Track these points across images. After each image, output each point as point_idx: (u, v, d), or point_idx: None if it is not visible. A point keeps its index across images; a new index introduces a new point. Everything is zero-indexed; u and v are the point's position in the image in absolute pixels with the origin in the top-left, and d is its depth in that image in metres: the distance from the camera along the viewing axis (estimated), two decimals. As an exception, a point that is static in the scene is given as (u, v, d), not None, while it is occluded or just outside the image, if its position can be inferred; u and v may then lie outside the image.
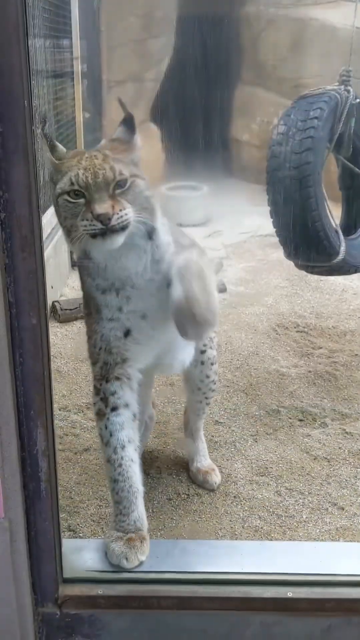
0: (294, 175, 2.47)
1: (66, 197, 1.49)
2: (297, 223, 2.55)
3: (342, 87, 2.56)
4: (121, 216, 1.46)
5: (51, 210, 4.08)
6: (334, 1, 6.18)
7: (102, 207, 1.44)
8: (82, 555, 1.63)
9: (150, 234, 1.58)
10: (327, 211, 2.57)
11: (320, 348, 3.29)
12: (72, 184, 1.47)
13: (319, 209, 2.49)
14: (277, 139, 2.54)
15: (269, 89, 6.19)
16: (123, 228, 1.48)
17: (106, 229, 1.45)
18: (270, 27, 6.49)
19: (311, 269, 2.79)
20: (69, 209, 1.50)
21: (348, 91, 2.55)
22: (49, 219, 3.76)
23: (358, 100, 2.60)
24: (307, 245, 2.58)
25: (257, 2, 6.73)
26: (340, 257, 2.57)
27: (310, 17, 6.19)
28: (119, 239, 1.48)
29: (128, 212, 1.48)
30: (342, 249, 2.57)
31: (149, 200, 1.57)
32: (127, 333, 1.66)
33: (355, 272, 2.78)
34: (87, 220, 1.46)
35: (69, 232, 1.54)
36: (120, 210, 1.46)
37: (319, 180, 2.50)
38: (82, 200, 1.47)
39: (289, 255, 2.74)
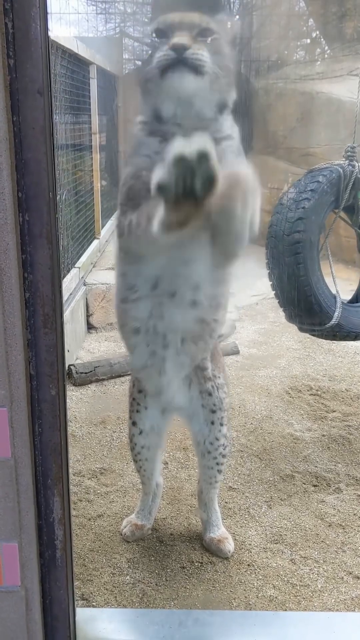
0: (286, 241, 2.62)
1: (152, 36, 1.50)
2: (289, 287, 2.67)
3: (347, 162, 2.70)
4: (197, 53, 1.42)
5: (69, 276, 4.20)
6: (340, 76, 6.51)
7: (180, 38, 1.42)
8: (95, 625, 1.63)
9: (221, 108, 1.53)
10: (320, 276, 2.68)
11: (334, 411, 3.30)
12: (159, 23, 1.49)
13: (308, 274, 2.60)
14: (278, 209, 2.69)
15: (279, 158, 6.45)
16: (196, 68, 1.44)
17: (178, 59, 1.42)
18: (279, 99, 6.82)
19: (312, 332, 2.86)
20: (152, 48, 1.49)
21: (353, 166, 2.68)
22: (66, 285, 3.90)
23: (365, 174, 2.73)
24: (299, 309, 2.69)
25: (267, 76, 7.09)
26: (334, 322, 2.65)
27: (317, 90, 6.50)
28: (189, 78, 1.44)
29: (205, 55, 1.44)
30: (337, 314, 2.65)
31: (229, 72, 1.52)
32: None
33: (355, 338, 2.83)
34: (162, 51, 1.44)
35: (143, 80, 1.53)
36: (199, 49, 1.43)
37: (310, 248, 2.62)
38: (164, 39, 1.47)
39: (287, 318, 2.84)
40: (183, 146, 1.18)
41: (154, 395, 2.00)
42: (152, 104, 1.56)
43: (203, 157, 1.18)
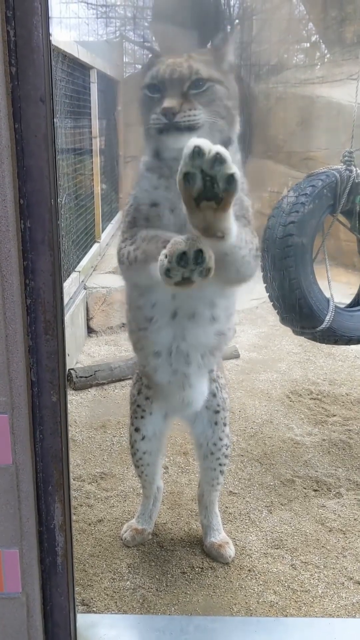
0: (278, 245, 2.64)
1: (145, 90, 1.53)
2: (281, 290, 2.70)
3: (345, 166, 2.70)
4: (188, 115, 1.46)
5: (69, 280, 4.20)
6: (340, 80, 6.52)
7: (169, 102, 1.45)
8: (96, 631, 1.62)
9: (226, 144, 1.55)
10: (313, 279, 2.69)
11: (334, 416, 3.30)
12: (151, 78, 1.51)
13: (299, 277, 2.63)
14: (274, 212, 2.71)
15: (279, 162, 6.45)
16: (189, 128, 1.47)
17: (170, 124, 1.46)
18: (279, 104, 6.83)
19: (307, 336, 2.87)
20: (146, 103, 1.53)
21: (350, 170, 2.68)
22: (66, 289, 3.90)
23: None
24: (290, 312, 2.71)
25: (267, 80, 7.11)
26: (324, 325, 2.66)
27: (317, 94, 6.52)
28: (183, 137, 1.46)
29: (197, 114, 1.47)
30: (328, 318, 2.66)
31: (229, 110, 1.56)
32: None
33: (348, 343, 2.83)
34: (155, 114, 1.48)
35: (145, 128, 1.57)
36: (189, 109, 1.46)
37: (302, 251, 2.64)
38: (157, 95, 1.50)
39: (281, 320, 2.85)
40: (198, 141, 1.20)
41: (178, 407, 2.00)
42: (153, 146, 1.59)
43: (219, 158, 1.20)
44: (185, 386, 1.88)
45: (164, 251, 1.33)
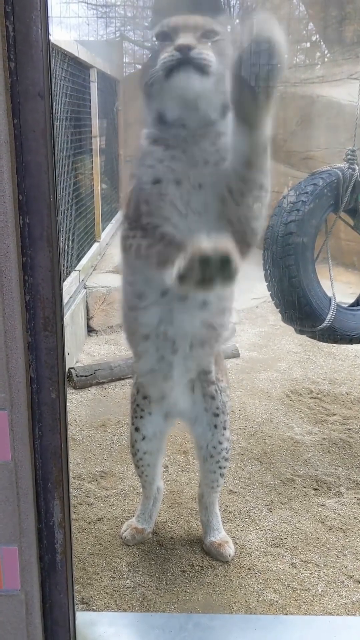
0: (279, 243, 2.65)
1: (154, 39, 1.48)
2: (282, 289, 2.70)
3: (347, 165, 2.70)
4: (202, 52, 1.42)
5: (69, 279, 4.20)
6: (340, 79, 6.52)
7: (185, 39, 1.42)
8: (95, 629, 1.62)
9: (224, 109, 1.52)
10: (315, 278, 2.69)
11: (334, 415, 3.30)
12: (162, 26, 1.48)
13: (299, 275, 2.62)
14: (276, 211, 2.71)
15: (279, 161, 6.45)
16: (201, 68, 1.43)
17: (183, 59, 1.42)
18: (279, 103, 6.83)
19: (308, 334, 2.87)
20: (155, 51, 1.48)
21: (353, 169, 2.68)
22: (66, 288, 3.90)
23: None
24: (291, 310, 2.72)
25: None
26: (326, 324, 2.66)
27: (317, 94, 6.51)
28: (195, 78, 1.44)
29: (210, 55, 1.44)
30: (329, 317, 2.66)
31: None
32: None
33: (349, 342, 2.83)
34: (167, 52, 1.43)
35: (146, 87, 1.52)
36: (204, 49, 1.43)
37: (303, 250, 2.64)
38: (167, 42, 1.46)
39: (283, 319, 2.85)
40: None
41: (157, 400, 2.01)
42: (156, 107, 1.55)
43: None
44: (167, 377, 1.86)
45: (183, 255, 1.33)
